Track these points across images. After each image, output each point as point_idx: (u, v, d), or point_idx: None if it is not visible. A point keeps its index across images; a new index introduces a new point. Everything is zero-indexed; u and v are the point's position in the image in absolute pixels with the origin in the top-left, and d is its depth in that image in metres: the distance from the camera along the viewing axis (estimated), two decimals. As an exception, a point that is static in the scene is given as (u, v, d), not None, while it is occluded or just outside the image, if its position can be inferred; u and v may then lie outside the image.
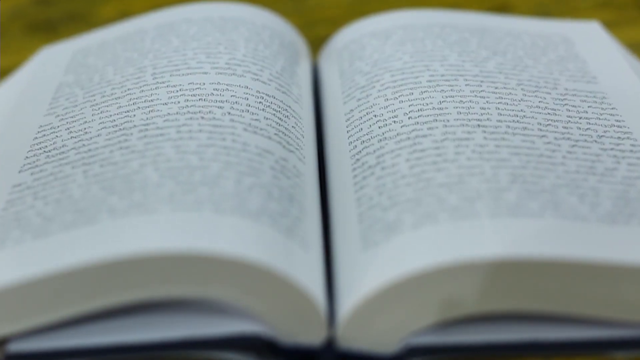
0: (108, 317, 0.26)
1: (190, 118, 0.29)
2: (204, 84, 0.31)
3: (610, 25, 0.39)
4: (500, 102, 0.31)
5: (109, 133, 0.29)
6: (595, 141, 0.29)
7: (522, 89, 0.32)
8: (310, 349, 0.26)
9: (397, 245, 0.25)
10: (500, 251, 0.24)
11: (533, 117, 0.30)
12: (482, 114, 0.30)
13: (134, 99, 0.31)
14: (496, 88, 0.32)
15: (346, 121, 0.32)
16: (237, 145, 0.28)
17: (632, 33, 0.43)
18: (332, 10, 0.48)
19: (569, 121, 0.30)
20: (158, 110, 0.30)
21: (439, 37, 0.35)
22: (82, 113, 0.31)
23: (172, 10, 0.38)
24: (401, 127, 0.30)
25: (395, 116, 0.30)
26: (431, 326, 0.26)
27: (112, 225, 0.25)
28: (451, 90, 0.31)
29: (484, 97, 0.31)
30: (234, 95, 0.31)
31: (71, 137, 0.30)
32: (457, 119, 0.29)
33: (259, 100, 0.31)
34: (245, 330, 0.25)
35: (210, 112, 0.29)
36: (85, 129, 0.30)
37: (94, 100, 0.32)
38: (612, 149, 0.29)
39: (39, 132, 0.31)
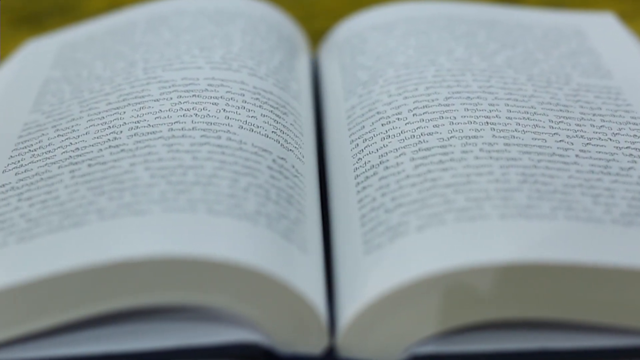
0: (97, 325, 0.25)
1: (183, 115, 0.29)
2: (198, 79, 0.31)
3: (626, 17, 0.39)
4: (510, 98, 0.30)
5: (98, 131, 0.29)
6: (610, 139, 0.29)
7: (532, 85, 0.31)
8: (309, 358, 0.26)
9: (402, 249, 0.25)
10: (510, 255, 0.24)
11: (544, 113, 0.30)
12: (490, 111, 0.30)
13: (124, 95, 0.31)
14: (505, 83, 0.31)
15: (347, 118, 0.32)
16: (233, 143, 0.28)
17: (649, 25, 0.43)
18: (333, 2, 0.49)
19: (582, 118, 0.30)
20: (149, 107, 0.30)
21: (445, 30, 0.35)
22: (70, 110, 0.31)
23: (164, 1, 0.38)
24: (405, 124, 0.29)
25: (399, 113, 0.30)
26: (437, 334, 0.25)
27: (100, 227, 0.25)
28: (458, 85, 0.31)
29: (493, 93, 0.31)
30: (229, 91, 0.30)
31: (58, 136, 0.29)
32: (464, 116, 0.29)
33: (256, 96, 0.31)
34: (241, 339, 0.25)
35: (204, 108, 0.29)
36: (72, 126, 0.30)
37: (82, 96, 0.31)
38: (627, 147, 0.28)
39: (24, 130, 0.31)
